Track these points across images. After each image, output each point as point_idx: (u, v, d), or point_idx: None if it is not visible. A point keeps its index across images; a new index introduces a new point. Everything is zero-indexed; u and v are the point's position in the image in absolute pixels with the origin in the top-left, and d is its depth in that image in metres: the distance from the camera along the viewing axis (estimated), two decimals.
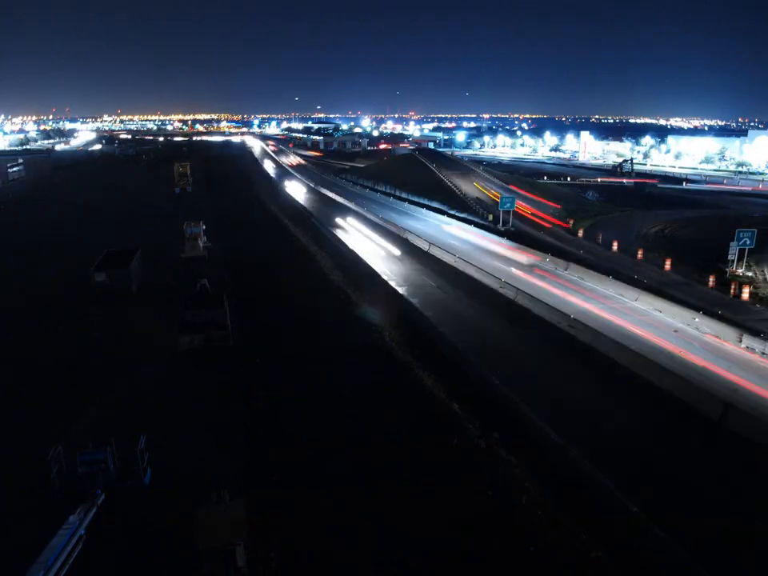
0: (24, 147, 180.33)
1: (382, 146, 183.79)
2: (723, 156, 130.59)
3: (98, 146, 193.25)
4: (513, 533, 15.93)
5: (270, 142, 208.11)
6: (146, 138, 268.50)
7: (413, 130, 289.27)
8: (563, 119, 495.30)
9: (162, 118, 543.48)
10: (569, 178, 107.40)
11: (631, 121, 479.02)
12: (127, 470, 16.75)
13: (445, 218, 66.87)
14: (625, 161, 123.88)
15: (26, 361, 26.93)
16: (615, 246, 52.33)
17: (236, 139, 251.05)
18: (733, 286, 39.18)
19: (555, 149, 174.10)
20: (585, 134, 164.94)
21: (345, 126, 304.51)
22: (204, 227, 49.00)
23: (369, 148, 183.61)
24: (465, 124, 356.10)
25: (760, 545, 16.03)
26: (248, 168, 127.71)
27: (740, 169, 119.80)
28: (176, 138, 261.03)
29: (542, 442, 20.89)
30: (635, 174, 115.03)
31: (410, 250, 51.56)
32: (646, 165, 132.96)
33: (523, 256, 48.47)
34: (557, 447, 20.35)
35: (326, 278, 41.49)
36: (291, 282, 39.95)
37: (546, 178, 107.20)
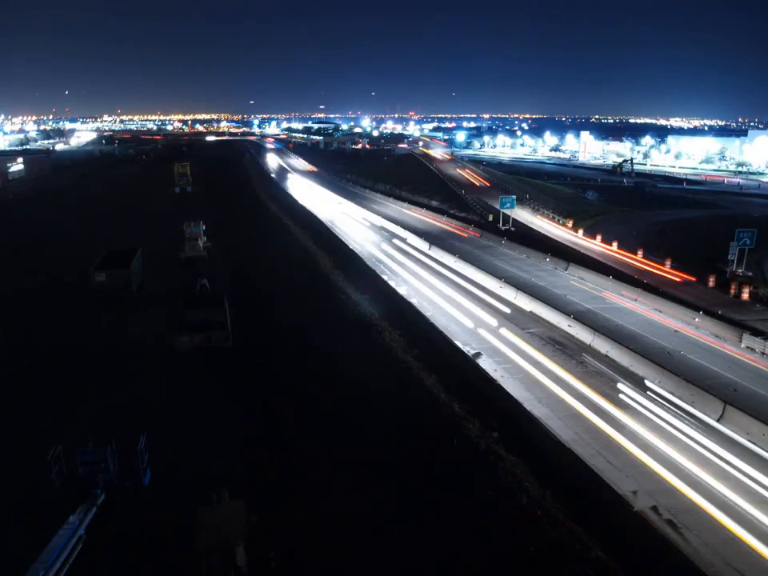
0: (24, 147, 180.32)
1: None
2: (723, 156, 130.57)
3: (96, 145, 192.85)
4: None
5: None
6: (144, 138, 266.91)
7: (413, 129, 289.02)
8: (563, 119, 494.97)
9: (162, 118, 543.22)
10: (569, 178, 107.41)
11: (631, 121, 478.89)
12: (127, 470, 16.72)
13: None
14: (625, 161, 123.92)
15: (25, 361, 26.92)
16: (615, 246, 52.52)
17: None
18: (732, 286, 39.18)
19: (555, 149, 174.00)
20: (585, 134, 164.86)
21: (345, 126, 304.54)
22: (204, 227, 49.01)
23: (368, 147, 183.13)
24: (465, 124, 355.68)
25: None
26: None
27: (740, 169, 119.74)
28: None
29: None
30: (635, 174, 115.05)
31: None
32: (645, 165, 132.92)
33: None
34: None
35: None
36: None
37: (546, 177, 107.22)
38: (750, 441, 20.94)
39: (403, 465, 18.84)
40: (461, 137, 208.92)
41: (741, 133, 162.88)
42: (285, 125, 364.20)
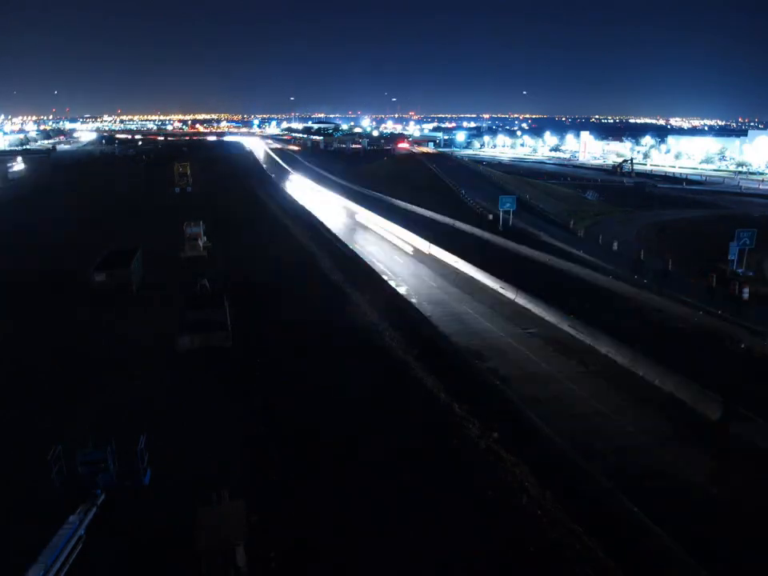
0: (24, 147, 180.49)
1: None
2: (723, 156, 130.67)
3: (96, 144, 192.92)
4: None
5: None
6: (141, 138, 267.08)
7: (413, 129, 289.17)
8: (563, 119, 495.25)
9: (162, 118, 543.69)
10: (569, 178, 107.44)
11: (631, 121, 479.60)
12: (127, 470, 16.73)
13: None
14: (625, 161, 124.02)
15: (25, 361, 26.92)
16: (615, 246, 52.50)
17: None
18: (733, 286, 39.17)
19: (555, 149, 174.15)
20: (585, 134, 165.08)
21: (345, 126, 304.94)
22: (204, 227, 48.99)
23: (368, 148, 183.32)
24: (465, 124, 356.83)
25: None
26: None
27: (740, 169, 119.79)
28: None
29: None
30: (635, 174, 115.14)
31: None
32: (646, 165, 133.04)
33: None
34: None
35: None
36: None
37: (546, 177, 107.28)
38: None
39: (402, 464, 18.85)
40: (461, 137, 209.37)
41: (741, 133, 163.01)
42: (285, 125, 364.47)
